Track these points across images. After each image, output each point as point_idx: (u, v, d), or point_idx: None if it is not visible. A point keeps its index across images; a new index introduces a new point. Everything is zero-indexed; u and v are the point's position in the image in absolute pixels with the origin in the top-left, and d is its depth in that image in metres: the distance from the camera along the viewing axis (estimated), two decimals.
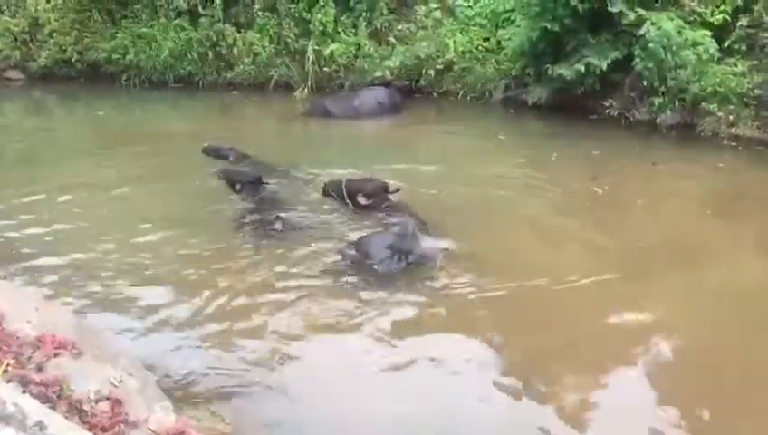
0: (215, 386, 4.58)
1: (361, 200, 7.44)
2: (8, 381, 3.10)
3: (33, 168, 9.27)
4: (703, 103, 10.41)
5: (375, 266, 6.11)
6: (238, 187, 8.05)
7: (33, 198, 8.04)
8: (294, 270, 6.23)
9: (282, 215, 7.21)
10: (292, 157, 9.46)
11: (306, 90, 13.67)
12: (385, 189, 7.52)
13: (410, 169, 8.98)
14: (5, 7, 15.71)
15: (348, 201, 7.54)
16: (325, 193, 7.93)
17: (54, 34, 15.26)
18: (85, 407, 3.25)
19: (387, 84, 12.85)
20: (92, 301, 5.69)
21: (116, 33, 15.04)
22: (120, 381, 3.57)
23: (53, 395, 3.20)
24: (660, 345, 5.12)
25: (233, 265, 6.37)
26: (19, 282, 5.62)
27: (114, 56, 14.90)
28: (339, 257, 6.40)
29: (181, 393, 4.34)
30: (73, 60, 15.21)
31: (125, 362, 3.93)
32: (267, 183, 8.12)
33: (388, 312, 5.53)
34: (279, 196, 8.04)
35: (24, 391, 3.04)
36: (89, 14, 15.29)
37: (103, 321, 5.20)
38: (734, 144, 10.05)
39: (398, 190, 7.53)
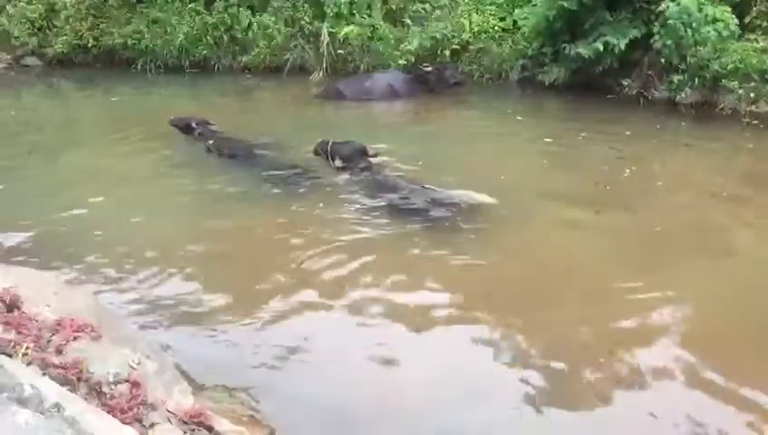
0: (233, 368, 4.60)
1: (337, 162, 8.09)
2: (28, 364, 3.13)
3: (49, 153, 9.31)
4: (723, 81, 10.27)
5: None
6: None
7: (49, 182, 8.09)
8: (320, 249, 6.21)
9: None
10: (299, 137, 9.42)
11: (321, 73, 13.62)
12: (364, 153, 8.13)
13: (424, 151, 8.92)
14: None
15: (331, 161, 8.16)
16: (316, 153, 8.51)
17: (70, 20, 15.34)
18: (104, 389, 3.27)
19: (409, 71, 12.67)
20: (111, 284, 5.72)
21: (131, 18, 15.08)
22: (139, 364, 3.59)
23: (73, 378, 3.23)
24: (674, 328, 5.07)
25: (252, 248, 6.39)
26: (38, 266, 5.66)
27: (130, 41, 14.95)
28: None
29: (199, 376, 4.36)
30: (89, 45, 15.29)
31: (143, 345, 3.95)
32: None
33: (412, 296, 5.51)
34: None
35: (43, 374, 3.07)
36: None
37: (122, 304, 5.23)
38: (755, 122, 9.91)
39: (376, 155, 8.15)
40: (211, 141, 9.05)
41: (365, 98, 11.99)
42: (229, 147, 8.92)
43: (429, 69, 12.27)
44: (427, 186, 7.32)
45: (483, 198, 7.09)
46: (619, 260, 6.12)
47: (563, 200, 7.53)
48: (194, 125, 9.57)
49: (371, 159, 8.12)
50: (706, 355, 4.75)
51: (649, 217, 7.04)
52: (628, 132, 9.73)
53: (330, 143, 8.30)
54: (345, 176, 7.94)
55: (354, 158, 8.09)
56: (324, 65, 13.72)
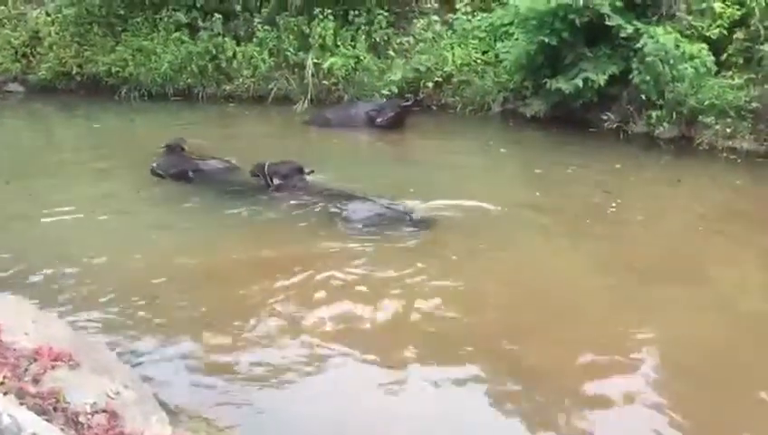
0: (212, 398, 4.57)
1: (275, 180, 8.50)
2: (5, 394, 3.10)
3: (28, 181, 9.25)
4: (700, 116, 10.46)
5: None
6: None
7: (28, 211, 8.04)
8: (294, 278, 6.23)
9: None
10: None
11: (306, 102, 13.69)
12: (300, 171, 8.58)
13: (410, 180, 9.00)
14: (6, 21, 15.77)
15: (270, 181, 8.55)
16: (253, 174, 8.88)
17: (54, 48, 15.29)
18: (81, 419, 3.24)
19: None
20: (89, 313, 5.68)
21: (116, 46, 15.07)
22: (117, 394, 3.56)
23: (50, 407, 3.20)
24: (655, 360, 5.12)
25: (231, 274, 6.38)
26: (15, 294, 5.60)
27: (114, 69, 14.92)
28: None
29: (178, 406, 4.32)
30: (73, 73, 15.23)
31: (121, 375, 3.92)
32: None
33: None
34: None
35: (20, 404, 3.04)
36: (89, 27, 15.33)
37: (100, 333, 5.20)
38: (732, 157, 10.08)
39: (311, 172, 8.61)
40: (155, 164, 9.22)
41: (350, 125, 12.05)
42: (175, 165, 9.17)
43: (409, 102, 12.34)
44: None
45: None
46: (597, 289, 6.19)
47: (546, 230, 7.63)
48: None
49: (307, 177, 8.62)
50: (680, 388, 4.81)
51: (631, 249, 7.13)
52: (615, 166, 9.88)
53: (267, 164, 8.66)
54: (285, 193, 8.41)
55: (292, 175, 8.54)
56: (309, 95, 13.79)
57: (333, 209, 7.84)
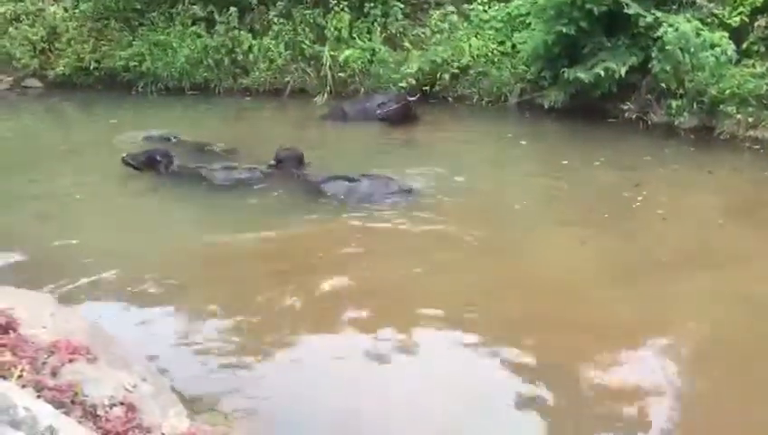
0: (230, 391, 4.57)
1: (271, 162, 8.98)
2: (23, 387, 3.10)
3: (48, 176, 9.30)
4: (721, 106, 10.30)
5: None
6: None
7: (46, 207, 8.08)
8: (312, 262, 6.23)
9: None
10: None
11: (326, 95, 13.67)
12: (300, 159, 9.02)
13: (435, 175, 8.97)
14: (24, 16, 15.87)
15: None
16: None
17: (72, 43, 15.40)
18: (99, 412, 3.24)
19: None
20: (107, 306, 5.71)
21: (133, 40, 15.14)
22: (135, 387, 3.56)
23: (67, 400, 3.20)
24: (676, 351, 5.06)
25: (248, 270, 6.39)
26: (35, 288, 5.63)
27: (131, 64, 15.00)
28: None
29: (195, 398, 4.32)
30: (91, 68, 15.32)
31: (139, 368, 3.93)
32: None
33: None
34: None
35: (38, 396, 3.04)
36: (106, 22, 15.44)
37: (118, 325, 5.20)
38: (756, 147, 9.92)
39: (308, 164, 9.05)
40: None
41: (367, 119, 11.99)
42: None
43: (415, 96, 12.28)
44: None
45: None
46: (615, 285, 6.12)
47: (574, 223, 7.55)
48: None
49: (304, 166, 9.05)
50: (704, 381, 4.74)
51: (651, 244, 7.03)
52: (644, 158, 9.73)
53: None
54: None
55: (289, 160, 8.96)
56: (328, 88, 13.77)
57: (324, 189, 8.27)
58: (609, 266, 6.53)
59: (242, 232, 7.20)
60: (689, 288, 6.00)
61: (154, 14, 15.19)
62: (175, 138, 10.68)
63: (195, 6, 14.72)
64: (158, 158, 8.95)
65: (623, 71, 10.76)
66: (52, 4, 15.76)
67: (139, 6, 15.40)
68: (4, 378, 3.08)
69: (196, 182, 8.65)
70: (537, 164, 9.91)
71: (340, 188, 8.25)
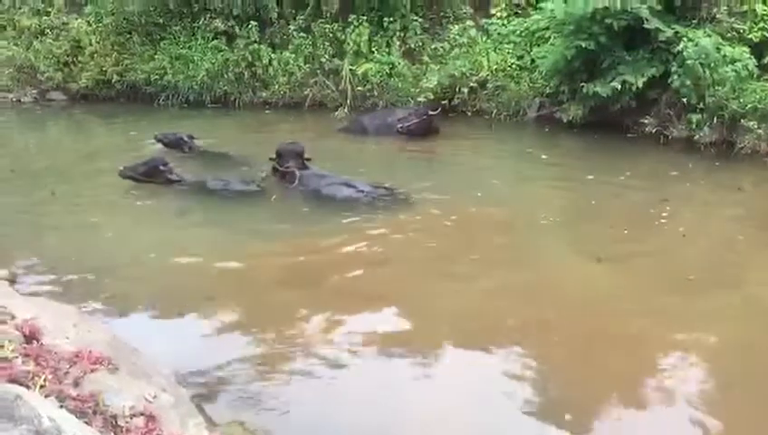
0: (249, 403, 4.59)
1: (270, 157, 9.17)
2: (46, 396, 3.15)
3: (72, 189, 9.41)
4: (742, 120, 10.25)
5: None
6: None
7: (72, 221, 8.17)
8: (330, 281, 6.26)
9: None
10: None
11: (346, 109, 13.75)
12: (297, 154, 9.11)
13: (455, 188, 8.98)
14: (49, 30, 16.13)
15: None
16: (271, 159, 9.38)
17: (95, 56, 15.63)
18: (120, 422, 3.27)
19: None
20: (129, 317, 5.75)
21: (155, 54, 15.33)
22: (155, 397, 3.60)
23: (89, 410, 3.24)
24: (697, 367, 5.02)
25: (264, 284, 6.42)
26: (58, 299, 5.70)
27: (153, 77, 15.18)
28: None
29: (215, 410, 4.35)
30: (113, 81, 15.53)
31: (159, 379, 3.96)
32: None
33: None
34: None
35: (60, 406, 3.08)
36: (129, 36, 15.66)
37: (139, 336, 5.25)
38: None
39: (309, 159, 9.15)
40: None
41: (388, 132, 12.01)
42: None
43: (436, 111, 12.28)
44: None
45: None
46: (649, 298, 6.06)
47: (601, 238, 7.50)
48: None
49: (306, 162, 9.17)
50: (723, 397, 4.69)
51: (675, 261, 6.97)
52: (670, 173, 9.70)
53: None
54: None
55: (290, 155, 9.07)
56: (348, 101, 13.84)
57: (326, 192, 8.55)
58: (632, 283, 6.49)
59: (255, 244, 7.27)
60: (714, 305, 5.97)
61: (176, 28, 15.39)
62: (189, 137, 10.87)
63: (216, 21, 14.89)
64: (161, 167, 8.97)
65: (641, 83, 10.74)
66: (77, 19, 15.99)
67: (161, 21, 15.62)
68: (28, 387, 3.12)
69: (198, 192, 8.79)
70: (560, 178, 9.85)
71: (340, 193, 8.41)
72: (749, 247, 7.30)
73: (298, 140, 9.54)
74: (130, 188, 8.98)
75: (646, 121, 11.24)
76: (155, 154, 9.99)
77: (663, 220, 7.94)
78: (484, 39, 13.70)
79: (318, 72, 14.43)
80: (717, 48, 10.21)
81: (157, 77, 15.15)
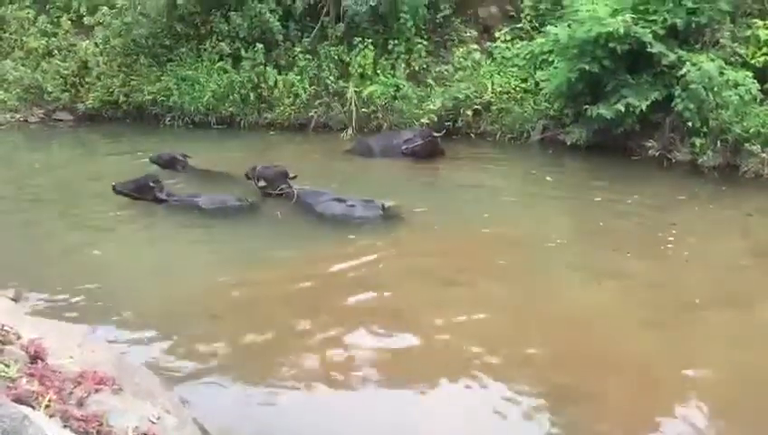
0: (250, 423, 4.58)
1: (260, 183, 9.33)
2: (50, 416, 3.15)
3: (79, 211, 9.47)
4: (746, 144, 10.27)
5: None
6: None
7: (77, 241, 8.21)
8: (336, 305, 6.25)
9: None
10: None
11: (351, 130, 13.81)
12: (285, 175, 9.29)
13: (460, 210, 8.98)
14: (56, 51, 16.27)
15: (256, 183, 9.37)
16: (247, 177, 9.68)
17: (102, 77, 15.74)
18: None
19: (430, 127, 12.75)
20: (133, 338, 5.75)
21: (161, 75, 15.44)
22: (158, 419, 3.59)
23: (93, 430, 3.24)
24: (701, 392, 5.00)
25: (268, 303, 6.43)
26: (61, 318, 5.70)
27: (159, 98, 15.29)
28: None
29: (217, 432, 4.33)
30: (120, 101, 15.64)
31: (163, 400, 3.96)
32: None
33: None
34: None
35: (64, 426, 3.09)
36: (135, 57, 15.77)
37: (143, 357, 5.25)
38: None
39: (295, 177, 9.30)
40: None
41: (393, 154, 12.05)
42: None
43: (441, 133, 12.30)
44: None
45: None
46: (652, 322, 6.05)
47: (608, 261, 7.48)
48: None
49: (290, 181, 9.33)
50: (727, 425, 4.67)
51: (682, 286, 6.95)
52: (677, 197, 9.71)
53: (257, 167, 9.51)
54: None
55: (277, 179, 9.28)
56: (354, 123, 13.91)
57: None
58: (634, 306, 6.47)
59: (257, 263, 7.31)
60: (721, 329, 5.95)
61: (183, 50, 15.50)
62: (183, 156, 11.01)
63: (222, 43, 15.00)
64: (151, 184, 9.04)
65: (644, 106, 10.77)
66: (84, 40, 16.13)
67: (168, 43, 15.73)
68: (33, 407, 3.13)
69: (192, 211, 8.88)
70: (566, 201, 9.87)
71: (336, 210, 8.57)
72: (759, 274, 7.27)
73: (279, 163, 9.80)
74: (134, 207, 9.02)
75: (649, 144, 11.27)
76: (151, 173, 10.05)
77: (670, 245, 7.92)
78: (488, 62, 13.78)
79: (323, 93, 14.53)
80: (720, 72, 10.26)
81: (163, 98, 15.25)
